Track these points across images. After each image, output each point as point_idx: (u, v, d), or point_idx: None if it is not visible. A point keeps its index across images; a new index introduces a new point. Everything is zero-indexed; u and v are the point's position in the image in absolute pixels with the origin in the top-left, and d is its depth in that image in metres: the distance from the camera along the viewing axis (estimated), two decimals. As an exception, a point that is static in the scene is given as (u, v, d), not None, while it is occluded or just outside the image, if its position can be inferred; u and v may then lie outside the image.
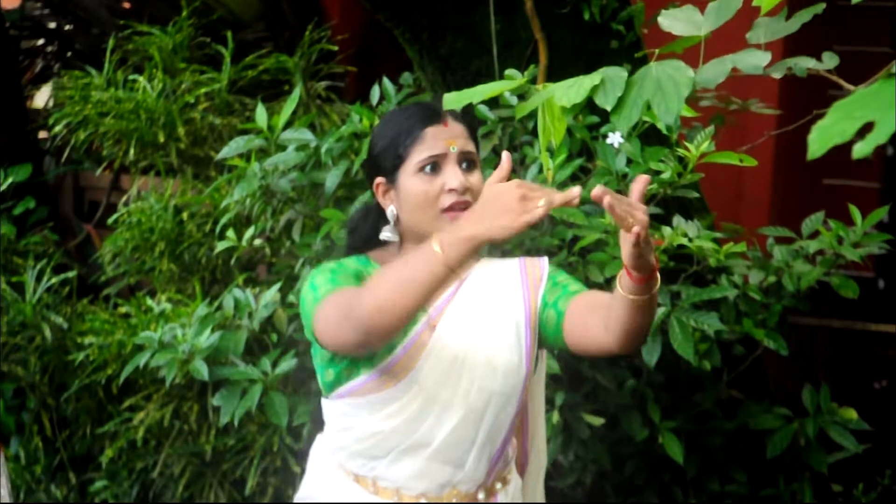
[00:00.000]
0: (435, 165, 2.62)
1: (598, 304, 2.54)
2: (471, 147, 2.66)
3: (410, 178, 2.62)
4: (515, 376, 2.67)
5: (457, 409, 2.64)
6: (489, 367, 2.65)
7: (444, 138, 2.62)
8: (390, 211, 2.68)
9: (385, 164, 2.67)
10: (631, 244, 2.23)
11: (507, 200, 2.21)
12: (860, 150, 1.41)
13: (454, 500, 2.69)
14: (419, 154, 2.62)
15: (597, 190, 2.13)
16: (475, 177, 2.64)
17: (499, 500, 2.77)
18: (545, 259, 2.80)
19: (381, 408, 2.65)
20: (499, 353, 2.67)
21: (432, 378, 2.63)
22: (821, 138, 1.44)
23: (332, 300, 2.52)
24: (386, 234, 2.71)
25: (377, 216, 2.75)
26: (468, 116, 2.72)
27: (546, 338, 2.70)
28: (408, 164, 2.62)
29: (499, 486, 2.78)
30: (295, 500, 2.92)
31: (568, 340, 2.63)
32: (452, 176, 2.60)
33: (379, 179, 2.69)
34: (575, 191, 2.17)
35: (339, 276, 2.61)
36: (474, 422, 2.65)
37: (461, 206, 2.59)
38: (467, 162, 2.64)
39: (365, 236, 2.78)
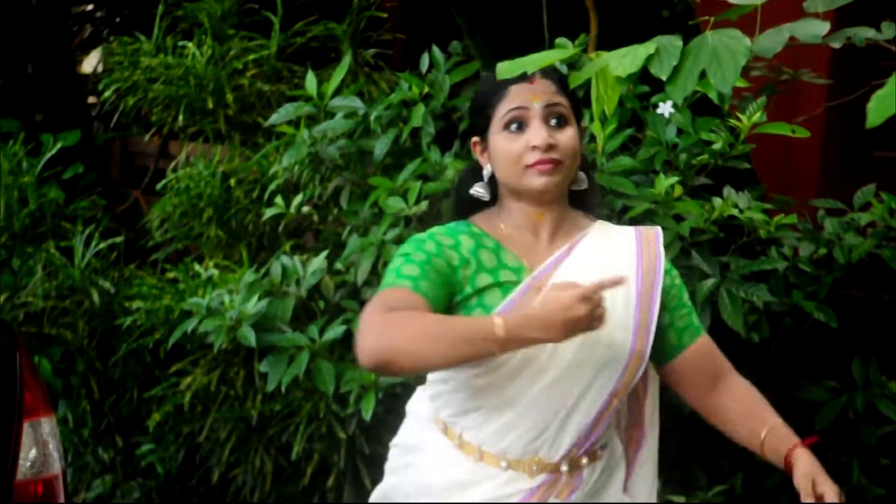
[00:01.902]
0: (520, 123, 2.62)
1: (721, 378, 2.80)
2: (560, 100, 2.63)
3: (498, 136, 2.63)
4: (617, 350, 2.62)
5: (550, 373, 2.59)
6: (590, 337, 2.55)
7: (528, 94, 2.61)
8: (486, 170, 2.70)
9: (477, 123, 2.70)
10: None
11: (571, 314, 2.35)
12: (918, 120, 1.40)
13: (535, 466, 2.63)
14: (503, 110, 2.62)
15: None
16: (565, 134, 2.62)
17: (583, 476, 2.68)
18: (658, 232, 2.76)
19: (479, 363, 2.59)
20: (604, 326, 2.57)
21: None
22: (879, 108, 1.43)
23: (376, 303, 2.50)
24: (475, 190, 2.72)
25: (476, 176, 2.76)
26: (564, 77, 2.67)
27: (654, 348, 2.68)
28: (495, 121, 2.63)
29: (585, 461, 2.68)
30: (391, 444, 2.90)
31: (663, 373, 2.77)
32: (536, 133, 2.59)
33: (475, 139, 2.72)
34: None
35: (409, 264, 2.58)
36: (564, 389, 2.60)
37: (545, 163, 2.59)
38: (556, 117, 2.62)
39: (466, 196, 2.78)
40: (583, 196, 2.78)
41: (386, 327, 2.42)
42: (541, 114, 2.60)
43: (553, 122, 2.61)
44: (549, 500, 2.65)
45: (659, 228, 2.79)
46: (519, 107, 2.61)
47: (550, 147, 2.58)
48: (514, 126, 2.61)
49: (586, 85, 2.33)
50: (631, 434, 2.87)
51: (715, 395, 2.76)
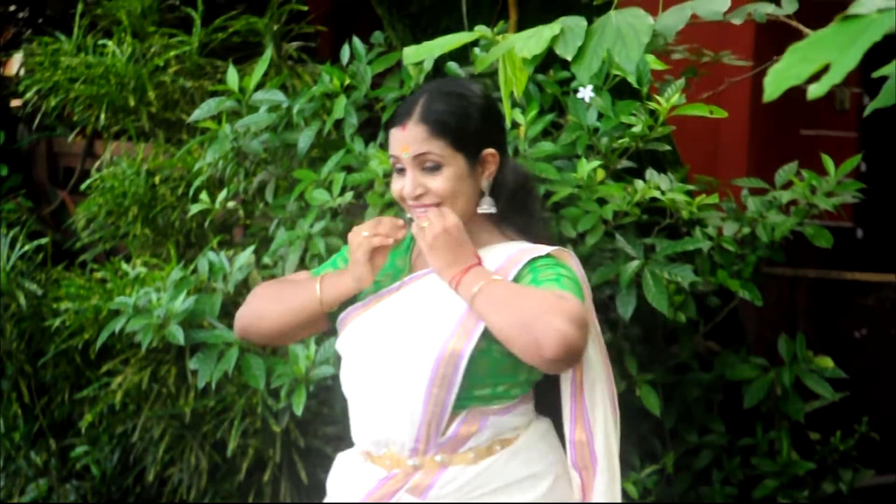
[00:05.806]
0: (400, 167, 2.68)
1: None
2: (430, 148, 2.62)
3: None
4: (425, 349, 2.60)
5: (369, 364, 2.68)
6: (408, 332, 2.64)
7: (400, 143, 2.65)
8: None
9: None
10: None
11: (352, 248, 2.68)
12: (815, 91, 1.41)
13: (388, 461, 2.65)
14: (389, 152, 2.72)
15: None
16: (437, 179, 2.63)
17: (440, 477, 2.62)
18: (543, 249, 2.68)
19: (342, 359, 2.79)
20: (425, 323, 2.64)
21: (366, 330, 2.71)
22: (776, 81, 1.44)
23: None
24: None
25: None
26: (447, 114, 2.65)
27: None
28: None
29: (440, 458, 2.62)
30: None
31: None
32: (406, 182, 2.65)
33: None
34: (399, 222, 2.68)
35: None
36: (381, 381, 2.65)
37: (419, 209, 2.66)
38: (429, 163, 2.64)
39: None
40: (510, 216, 2.76)
41: (251, 296, 2.83)
42: (412, 163, 2.65)
43: (426, 166, 2.65)
44: (397, 497, 2.64)
45: (548, 249, 2.68)
46: (394, 156, 2.68)
47: (420, 195, 2.65)
48: (397, 167, 2.69)
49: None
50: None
51: None
